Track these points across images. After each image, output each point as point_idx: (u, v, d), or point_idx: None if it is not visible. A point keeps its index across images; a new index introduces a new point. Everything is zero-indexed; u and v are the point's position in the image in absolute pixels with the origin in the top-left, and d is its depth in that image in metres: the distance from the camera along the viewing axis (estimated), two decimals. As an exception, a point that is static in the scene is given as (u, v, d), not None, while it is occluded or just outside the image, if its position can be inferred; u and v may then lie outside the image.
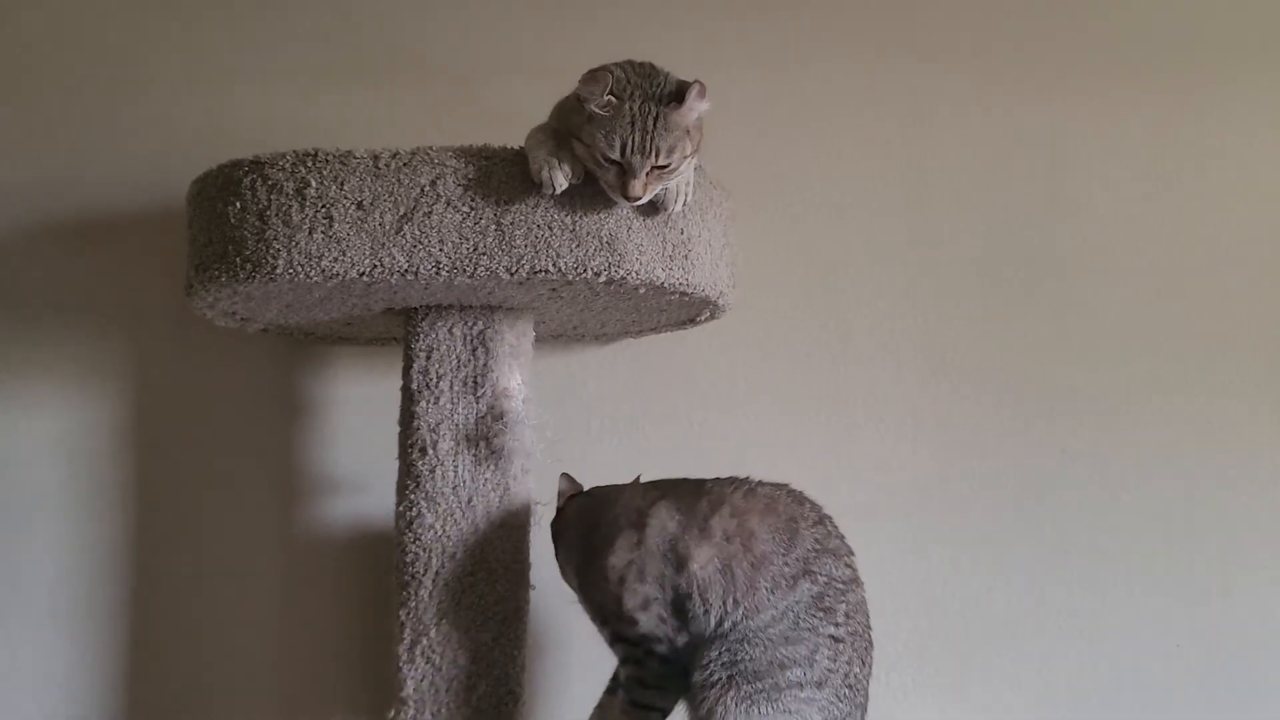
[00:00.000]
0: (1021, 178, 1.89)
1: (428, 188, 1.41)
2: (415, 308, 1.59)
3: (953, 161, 1.90)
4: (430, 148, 1.42)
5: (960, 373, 1.86)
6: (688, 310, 1.64)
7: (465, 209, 1.40)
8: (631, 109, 1.34)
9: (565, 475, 1.52)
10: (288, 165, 1.42)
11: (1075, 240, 1.88)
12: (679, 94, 1.36)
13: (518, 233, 1.40)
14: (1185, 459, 1.84)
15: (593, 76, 1.34)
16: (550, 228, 1.40)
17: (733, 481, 1.41)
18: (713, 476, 1.43)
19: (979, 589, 1.82)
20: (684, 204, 1.43)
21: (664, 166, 1.36)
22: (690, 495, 1.39)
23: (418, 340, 1.58)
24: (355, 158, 1.42)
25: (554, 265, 1.40)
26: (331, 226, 1.40)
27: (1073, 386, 1.85)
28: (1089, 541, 1.83)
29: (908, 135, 1.91)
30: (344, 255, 1.40)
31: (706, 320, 1.70)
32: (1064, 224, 1.89)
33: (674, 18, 1.93)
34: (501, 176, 1.41)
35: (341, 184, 1.41)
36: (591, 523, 1.43)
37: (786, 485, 1.42)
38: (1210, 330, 1.86)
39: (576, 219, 1.40)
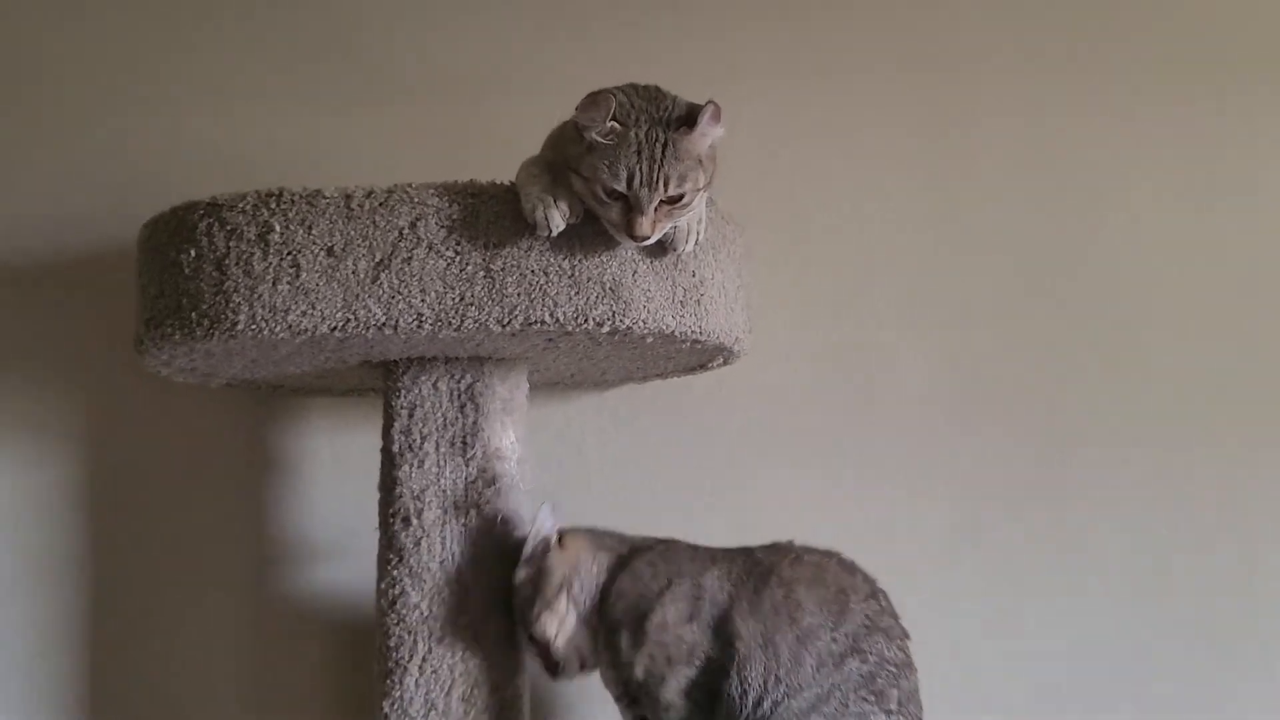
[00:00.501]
0: (1058, 206, 1.74)
1: (407, 230, 1.24)
2: (395, 360, 1.42)
3: (983, 189, 1.75)
4: (409, 185, 1.26)
5: (994, 417, 1.71)
6: (699, 357, 1.48)
7: (450, 254, 1.24)
8: (637, 136, 1.18)
9: (549, 505, 1.33)
10: (249, 208, 1.26)
11: (1114, 274, 1.73)
12: (690, 118, 1.20)
13: (509, 280, 1.24)
14: (1244, 506, 1.69)
15: (593, 100, 1.18)
16: (546, 274, 1.24)
17: (778, 548, 1.27)
18: (750, 545, 1.30)
19: (1019, 648, 1.67)
20: (695, 243, 1.27)
21: (675, 200, 1.20)
22: (739, 564, 1.25)
23: (399, 396, 1.41)
24: (325, 198, 1.25)
25: (551, 315, 1.24)
26: (299, 276, 1.24)
27: (1116, 430, 1.70)
28: (1137, 597, 1.68)
29: (933, 160, 1.76)
30: (313, 308, 1.24)
31: (719, 366, 1.54)
32: (1103, 254, 1.74)
33: (679, 26, 1.77)
34: (490, 216, 1.25)
35: (309, 228, 1.25)
36: (631, 589, 1.27)
37: (836, 553, 1.28)
38: (1269, 360, 1.70)
39: (575, 263, 1.25)
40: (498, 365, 1.43)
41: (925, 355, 1.72)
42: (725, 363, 1.52)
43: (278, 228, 1.25)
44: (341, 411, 1.73)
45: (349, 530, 1.61)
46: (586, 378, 1.63)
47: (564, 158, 1.23)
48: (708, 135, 1.22)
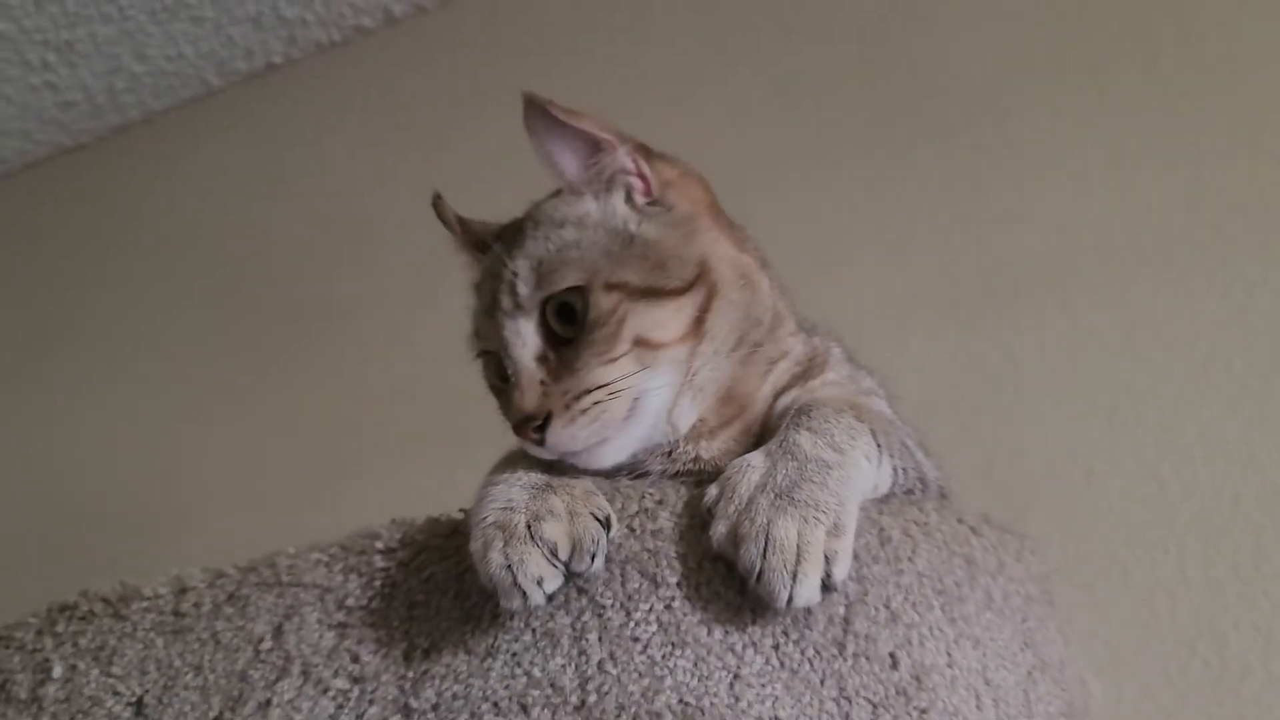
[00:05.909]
0: None
1: (268, 643, 0.61)
2: None
3: None
4: (280, 554, 0.63)
5: None
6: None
7: (343, 685, 0.58)
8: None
9: None
10: (28, 640, 0.67)
11: None
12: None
13: (452, 727, 0.55)
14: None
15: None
16: (524, 708, 0.54)
17: None
18: None
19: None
20: (828, 576, 0.53)
21: (567, 313, 0.60)
22: None
23: None
24: (143, 600, 0.65)
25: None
26: (73, 767, 0.62)
27: None
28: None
29: None
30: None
31: None
32: None
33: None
34: (420, 587, 0.59)
35: (108, 664, 0.64)
36: None
37: None
38: None
39: (602, 676, 0.54)
40: None
41: None
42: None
43: (58, 668, 0.65)
44: None
45: None
46: None
47: None
48: (598, 166, 0.64)
